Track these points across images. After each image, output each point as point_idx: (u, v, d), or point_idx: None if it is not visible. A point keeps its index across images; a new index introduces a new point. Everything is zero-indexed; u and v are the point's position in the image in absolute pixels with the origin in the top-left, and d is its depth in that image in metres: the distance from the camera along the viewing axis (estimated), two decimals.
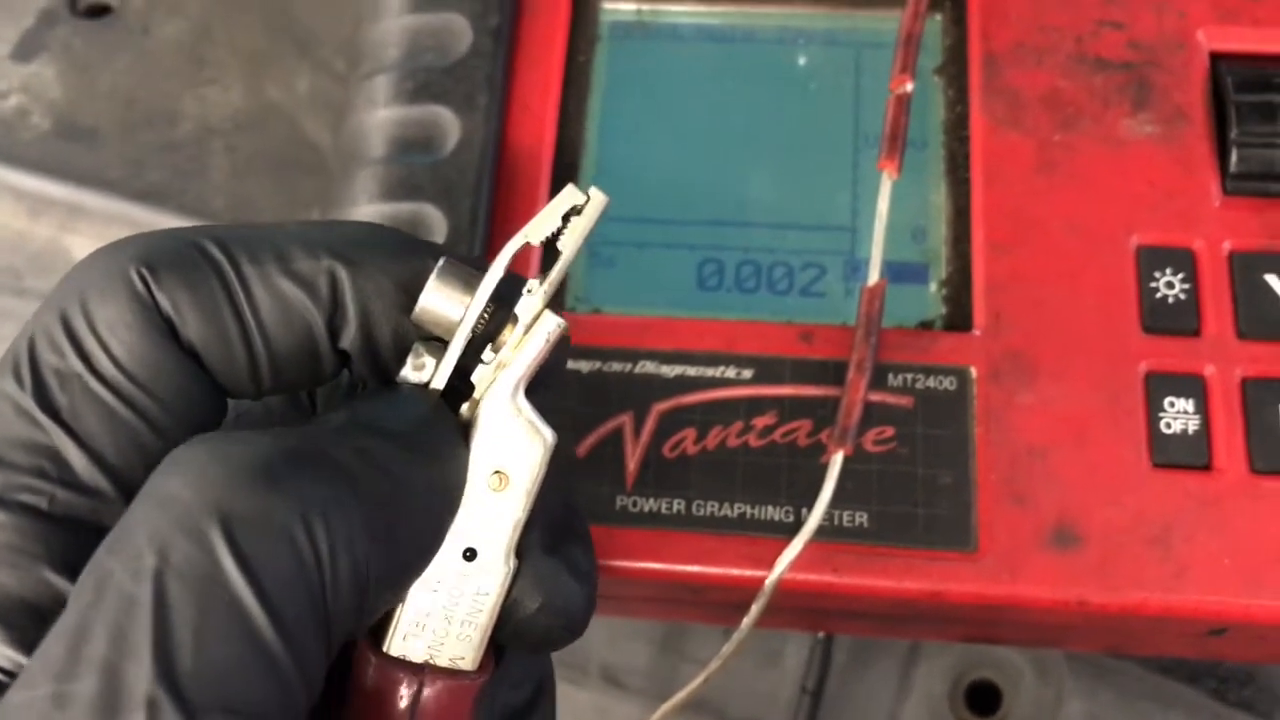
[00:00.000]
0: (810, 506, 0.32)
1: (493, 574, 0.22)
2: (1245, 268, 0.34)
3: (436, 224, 0.36)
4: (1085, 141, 0.36)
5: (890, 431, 0.34)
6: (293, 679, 0.17)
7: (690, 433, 0.34)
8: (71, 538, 0.20)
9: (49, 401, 0.20)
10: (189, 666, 0.16)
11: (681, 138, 0.39)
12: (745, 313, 0.36)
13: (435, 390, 0.22)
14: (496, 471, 0.22)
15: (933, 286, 0.36)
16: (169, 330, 0.21)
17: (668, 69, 0.40)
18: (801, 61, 0.40)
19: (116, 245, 0.22)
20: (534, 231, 0.23)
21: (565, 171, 0.38)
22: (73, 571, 0.19)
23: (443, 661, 0.22)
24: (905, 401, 0.34)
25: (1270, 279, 0.34)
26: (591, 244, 0.37)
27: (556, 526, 0.23)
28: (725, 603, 0.34)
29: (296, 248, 0.22)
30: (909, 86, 0.36)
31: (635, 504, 0.33)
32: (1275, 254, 0.34)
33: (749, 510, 0.33)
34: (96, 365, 0.20)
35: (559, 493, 0.24)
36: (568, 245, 0.23)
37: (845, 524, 0.33)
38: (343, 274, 0.22)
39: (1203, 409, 0.33)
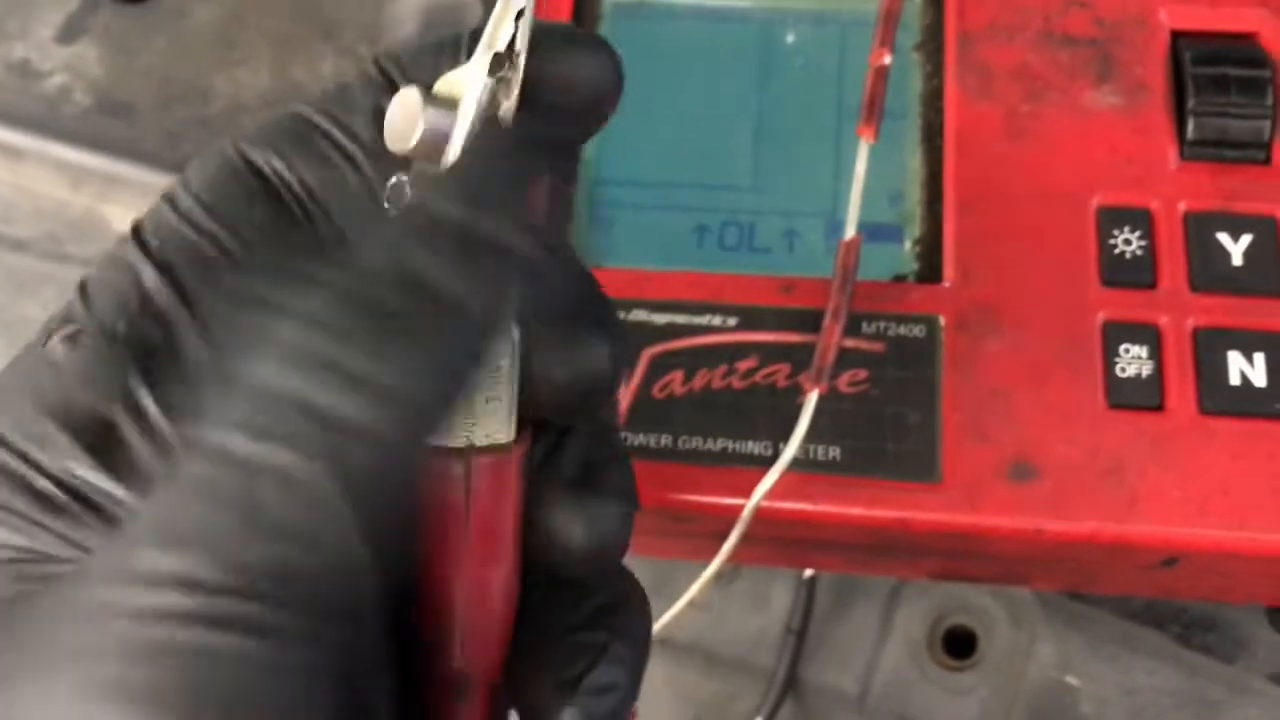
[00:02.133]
0: (787, 441, 0.35)
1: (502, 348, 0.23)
2: (1199, 226, 0.37)
3: None
4: (1052, 111, 0.39)
5: (863, 374, 0.36)
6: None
7: (678, 375, 0.37)
8: (144, 361, 0.22)
9: (141, 242, 0.23)
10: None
11: (678, 110, 0.42)
12: (733, 268, 0.38)
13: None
14: None
15: (907, 245, 0.39)
16: (263, 181, 0.23)
17: (665, 47, 0.43)
18: (790, 39, 0.42)
19: None
20: (498, 43, 0.23)
21: None
22: (131, 392, 0.21)
23: (480, 440, 0.23)
24: (877, 347, 0.36)
25: (1222, 237, 0.37)
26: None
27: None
28: (709, 532, 0.36)
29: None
30: (887, 59, 0.39)
31: (626, 439, 0.36)
32: (1227, 214, 0.37)
33: (730, 445, 0.36)
34: (187, 214, 0.23)
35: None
36: (524, 48, 0.23)
37: (819, 457, 0.35)
38: None
39: (1156, 355, 0.36)
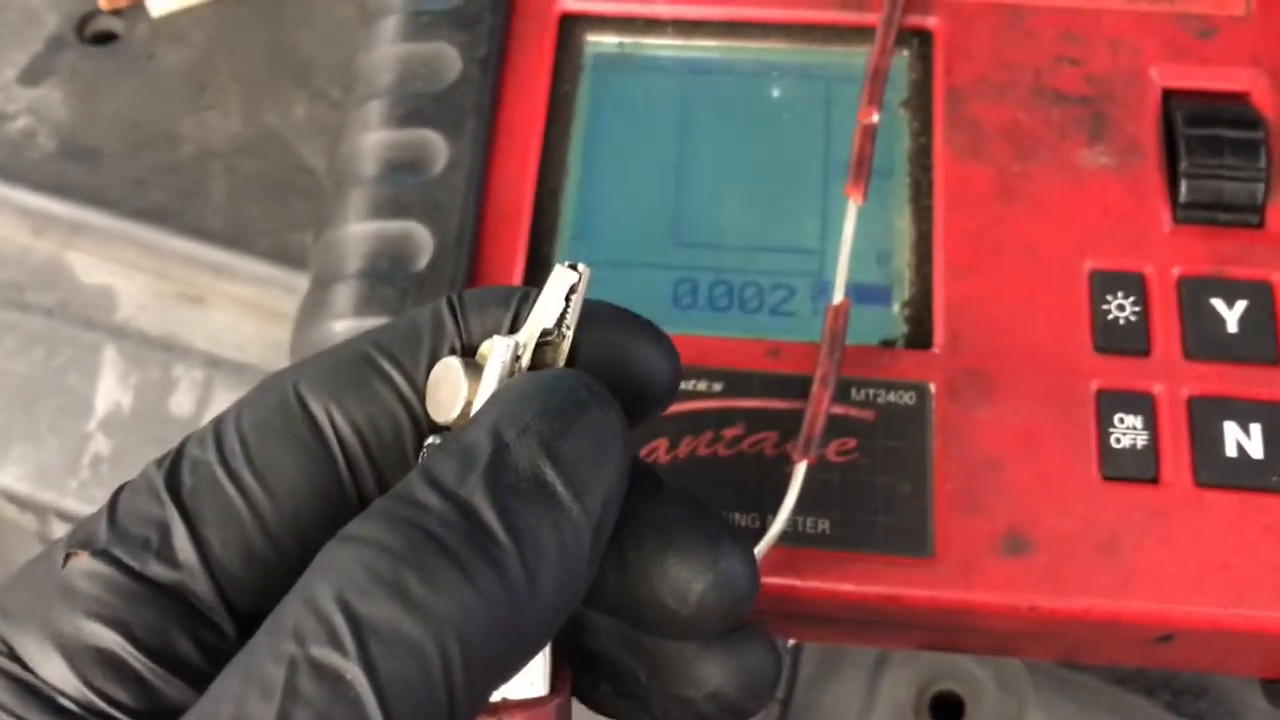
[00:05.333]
0: (775, 514, 0.34)
1: None
2: (1193, 292, 0.36)
3: (423, 241, 0.38)
4: (1043, 171, 0.38)
5: (852, 443, 0.35)
6: None
7: (662, 443, 0.35)
8: (155, 604, 0.21)
9: (175, 482, 0.22)
10: None
11: (660, 164, 0.41)
12: (717, 330, 0.37)
13: None
14: None
15: (895, 307, 0.38)
16: (314, 431, 0.23)
17: (648, 99, 0.42)
18: (775, 94, 0.41)
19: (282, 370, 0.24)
20: (546, 317, 0.23)
21: (548, 195, 0.40)
22: (137, 638, 0.21)
23: (516, 694, 0.22)
24: (867, 415, 0.35)
25: (1216, 303, 0.36)
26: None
27: None
28: None
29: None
30: (875, 117, 0.38)
31: None
32: (1222, 279, 0.36)
33: None
34: (228, 458, 0.22)
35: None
36: (573, 322, 0.23)
37: (808, 530, 0.34)
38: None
39: (1151, 425, 0.35)
